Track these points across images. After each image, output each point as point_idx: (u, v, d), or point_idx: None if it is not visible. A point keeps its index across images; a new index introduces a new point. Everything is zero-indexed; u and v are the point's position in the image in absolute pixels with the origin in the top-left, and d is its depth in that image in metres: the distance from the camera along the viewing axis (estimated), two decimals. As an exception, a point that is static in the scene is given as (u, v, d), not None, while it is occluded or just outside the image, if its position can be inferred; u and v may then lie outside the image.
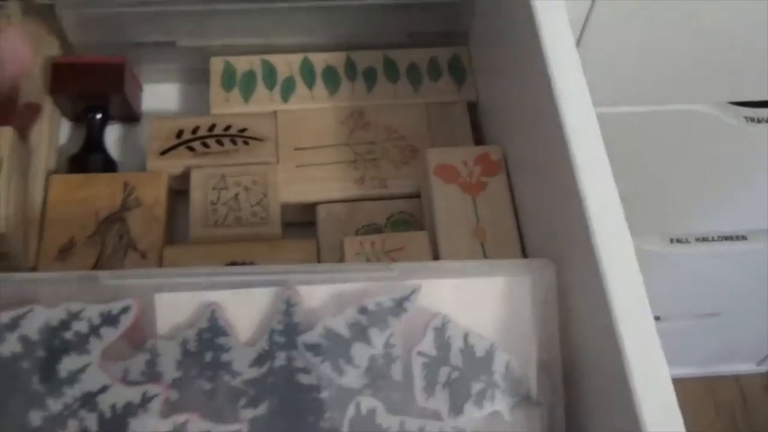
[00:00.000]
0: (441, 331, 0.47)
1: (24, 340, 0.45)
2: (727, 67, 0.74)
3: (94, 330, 0.45)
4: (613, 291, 0.43)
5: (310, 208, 0.64)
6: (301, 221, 0.64)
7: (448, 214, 0.58)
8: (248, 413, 0.45)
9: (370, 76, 0.70)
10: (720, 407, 1.34)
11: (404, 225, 0.62)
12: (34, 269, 0.60)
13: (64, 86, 0.68)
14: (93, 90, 0.68)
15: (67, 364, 0.45)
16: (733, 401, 1.35)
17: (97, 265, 0.60)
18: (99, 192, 0.63)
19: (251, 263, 0.59)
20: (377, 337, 0.46)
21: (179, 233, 0.65)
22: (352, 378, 0.46)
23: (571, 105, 0.49)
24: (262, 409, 0.45)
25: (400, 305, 0.46)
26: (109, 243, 0.61)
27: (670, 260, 1.04)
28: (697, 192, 0.92)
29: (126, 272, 0.49)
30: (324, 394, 0.45)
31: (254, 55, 0.70)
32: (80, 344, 0.45)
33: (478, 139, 0.69)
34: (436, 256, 0.57)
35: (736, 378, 1.37)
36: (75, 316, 0.45)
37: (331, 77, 0.70)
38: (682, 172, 0.87)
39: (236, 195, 0.63)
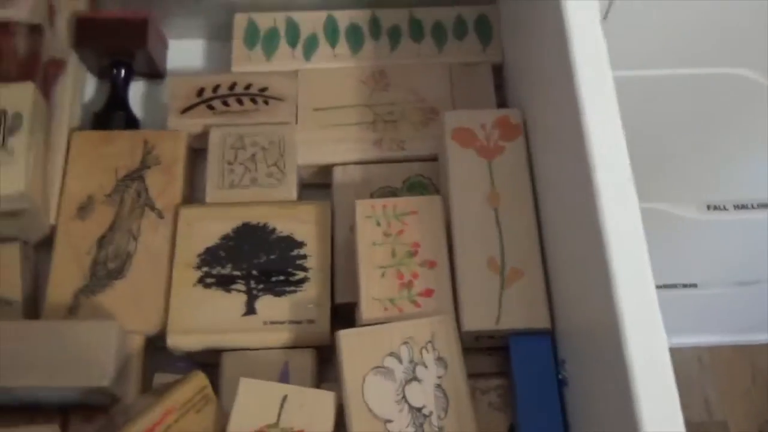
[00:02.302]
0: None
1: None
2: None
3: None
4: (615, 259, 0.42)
5: (327, 169, 0.63)
6: (318, 183, 0.64)
7: (462, 178, 0.56)
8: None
9: (394, 34, 0.69)
10: (757, 375, 1.31)
11: (421, 188, 0.61)
12: (53, 227, 0.61)
13: (87, 41, 0.68)
14: (116, 45, 0.68)
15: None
16: (772, 370, 1.32)
17: (114, 224, 0.60)
18: (119, 149, 0.63)
19: (265, 225, 0.59)
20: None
21: (199, 192, 0.64)
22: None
23: (586, 67, 0.47)
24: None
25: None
26: (127, 201, 0.61)
27: (707, 227, 1.01)
28: (736, 157, 0.89)
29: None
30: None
31: (278, 12, 0.69)
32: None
33: (502, 102, 0.67)
34: (448, 221, 0.56)
35: (777, 347, 1.34)
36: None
37: (354, 35, 0.69)
38: (720, 136, 0.84)
39: (253, 155, 0.63)
